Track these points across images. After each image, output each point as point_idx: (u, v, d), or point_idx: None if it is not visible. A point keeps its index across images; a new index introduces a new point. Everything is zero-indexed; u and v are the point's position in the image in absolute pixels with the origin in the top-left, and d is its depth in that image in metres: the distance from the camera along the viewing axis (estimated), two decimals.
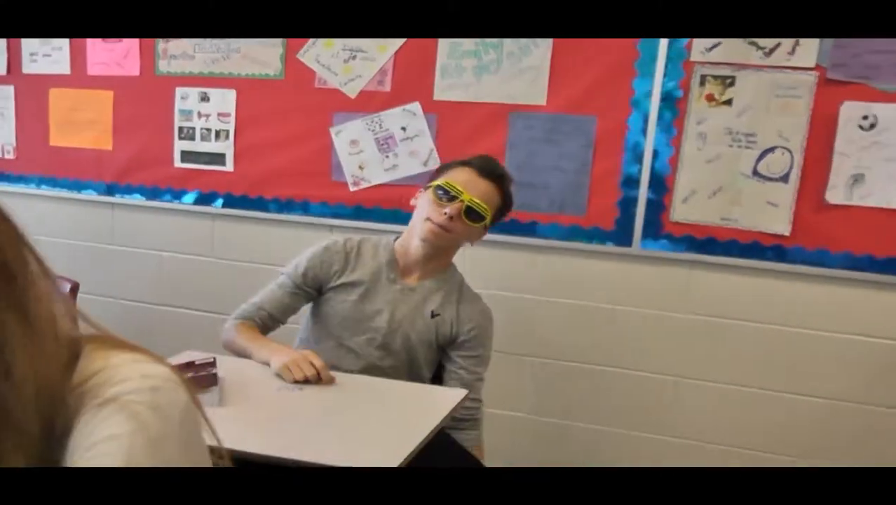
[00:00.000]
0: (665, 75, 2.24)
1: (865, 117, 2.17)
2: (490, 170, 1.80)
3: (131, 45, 2.78)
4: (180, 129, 2.74)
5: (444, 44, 2.40)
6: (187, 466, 0.69)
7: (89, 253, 2.92)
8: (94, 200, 2.88)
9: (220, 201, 2.70)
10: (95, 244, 2.93)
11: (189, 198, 2.74)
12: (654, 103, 2.26)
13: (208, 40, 2.66)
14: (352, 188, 2.55)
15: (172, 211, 2.79)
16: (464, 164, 1.82)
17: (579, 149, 2.31)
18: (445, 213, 1.73)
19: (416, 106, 2.46)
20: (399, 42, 2.45)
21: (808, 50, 2.15)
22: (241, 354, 1.76)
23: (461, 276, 1.91)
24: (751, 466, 2.33)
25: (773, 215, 2.24)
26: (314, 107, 2.56)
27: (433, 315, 1.84)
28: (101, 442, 0.65)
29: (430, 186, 1.80)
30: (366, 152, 2.52)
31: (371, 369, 1.81)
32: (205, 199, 2.73)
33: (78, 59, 2.85)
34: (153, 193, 2.80)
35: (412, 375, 1.85)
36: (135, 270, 2.89)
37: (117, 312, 2.89)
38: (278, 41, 2.58)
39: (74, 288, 2.25)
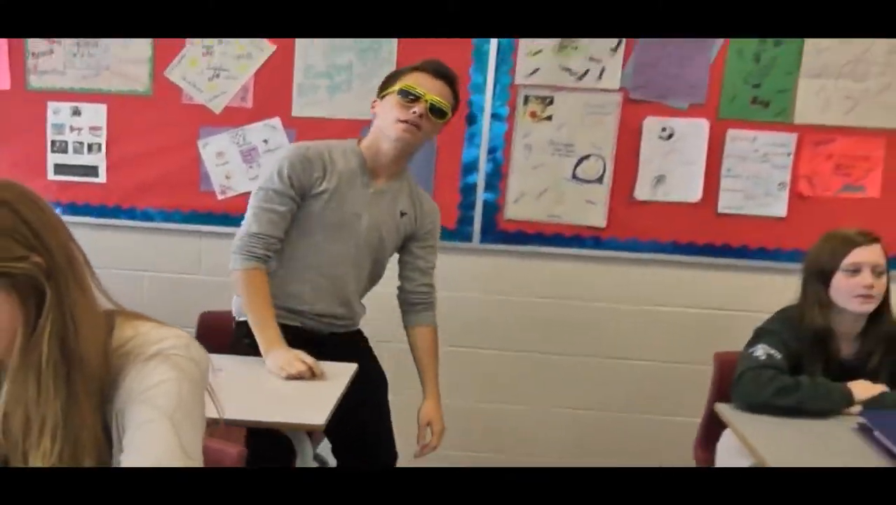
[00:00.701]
0: (494, 97, 2.56)
1: (664, 129, 2.54)
2: (442, 72, 1.91)
3: (1, 56, 2.85)
4: (53, 142, 2.84)
5: (299, 65, 2.63)
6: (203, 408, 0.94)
7: None
8: None
9: (94, 212, 2.83)
10: None
11: (62, 209, 2.86)
12: (486, 120, 2.58)
13: (78, 57, 2.77)
14: (219, 196, 2.74)
15: None
16: (415, 68, 1.91)
17: (423, 160, 2.59)
18: (414, 113, 1.84)
19: (276, 121, 2.68)
20: (259, 62, 2.66)
21: (614, 74, 2.51)
22: (245, 311, 1.87)
23: (411, 176, 2.07)
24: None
25: (591, 211, 2.61)
26: (182, 121, 2.73)
27: (402, 214, 2.00)
28: (154, 385, 0.89)
29: (391, 92, 1.89)
30: (231, 163, 2.72)
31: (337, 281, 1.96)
32: (79, 210, 2.84)
33: None
34: None
35: (374, 276, 2.05)
36: None
37: None
38: (145, 58, 2.73)
39: None
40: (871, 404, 1.78)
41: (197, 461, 0.89)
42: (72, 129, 2.84)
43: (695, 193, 2.59)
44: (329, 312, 1.98)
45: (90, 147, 2.83)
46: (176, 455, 0.86)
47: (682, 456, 2.25)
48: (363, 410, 1.98)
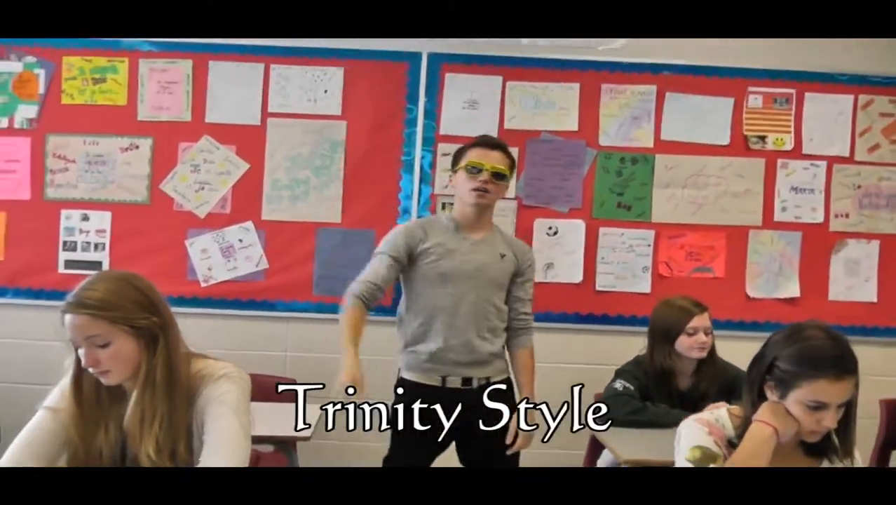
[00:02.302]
0: (419, 205, 3.30)
1: (550, 228, 3.30)
2: (494, 143, 2.40)
3: (24, 175, 3.50)
4: (64, 242, 3.47)
5: (267, 179, 3.36)
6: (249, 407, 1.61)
7: None
8: None
9: None
10: None
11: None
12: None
13: (89, 173, 3.43)
14: (203, 284, 3.39)
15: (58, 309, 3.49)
16: (474, 145, 2.39)
17: (365, 252, 3.26)
18: (482, 181, 2.32)
19: (249, 224, 3.38)
20: (236, 177, 3.37)
21: (511, 186, 3.25)
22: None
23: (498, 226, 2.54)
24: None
25: None
26: (173, 225, 3.39)
27: (502, 256, 2.43)
28: (224, 393, 1.57)
29: (459, 169, 2.37)
30: (213, 258, 3.39)
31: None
32: None
33: None
34: (37, 295, 3.45)
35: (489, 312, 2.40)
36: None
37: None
38: (145, 174, 3.41)
39: None
40: None
41: (249, 437, 1.56)
42: (81, 231, 3.47)
43: (577, 276, 3.33)
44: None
45: (96, 246, 3.47)
46: (239, 433, 1.53)
47: None
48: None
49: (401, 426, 2.38)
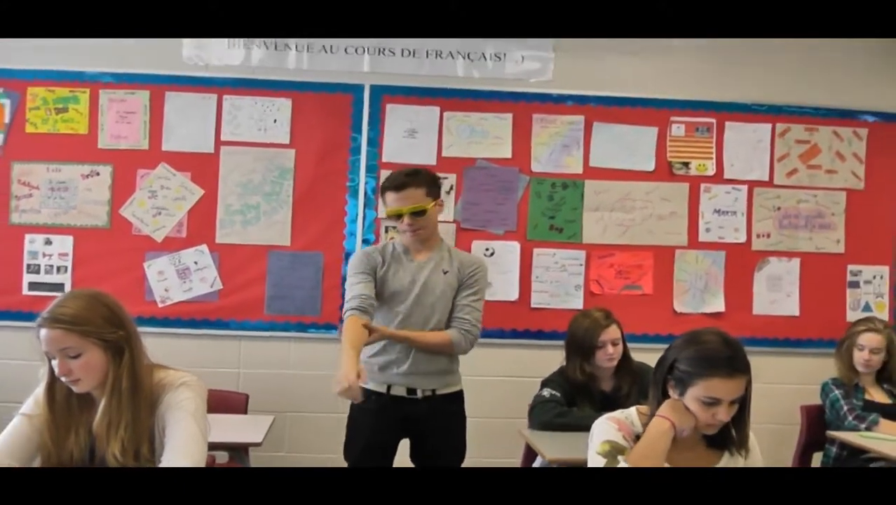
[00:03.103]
0: (364, 228, 3.51)
1: (487, 249, 3.52)
2: (401, 181, 2.54)
3: None
4: (28, 265, 3.64)
5: (220, 204, 3.55)
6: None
7: None
8: None
9: None
10: None
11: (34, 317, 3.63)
12: (359, 242, 3.51)
13: (52, 199, 3.60)
14: (160, 305, 3.56)
15: (22, 329, 3.64)
16: (385, 187, 2.58)
17: (313, 273, 3.50)
18: (406, 224, 2.55)
19: (204, 247, 3.56)
20: (191, 203, 3.56)
21: (449, 210, 3.48)
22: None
23: (447, 243, 2.75)
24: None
25: None
26: (132, 248, 3.57)
27: (444, 272, 2.63)
28: (184, 400, 1.76)
29: (384, 219, 2.72)
30: (169, 280, 3.57)
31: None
32: None
33: None
34: (2, 316, 3.57)
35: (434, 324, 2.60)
36: None
37: None
38: (105, 200, 3.60)
39: None
40: None
41: (206, 439, 1.75)
42: (44, 255, 3.64)
43: (513, 294, 3.54)
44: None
45: (59, 269, 3.63)
46: (197, 435, 1.73)
47: None
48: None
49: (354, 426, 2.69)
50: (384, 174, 3.49)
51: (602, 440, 1.84)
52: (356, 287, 2.57)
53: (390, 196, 2.56)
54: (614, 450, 1.82)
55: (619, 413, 1.92)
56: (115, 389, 1.72)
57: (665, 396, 1.85)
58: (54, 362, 1.74)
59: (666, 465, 1.79)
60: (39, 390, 1.81)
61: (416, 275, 2.61)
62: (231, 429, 2.57)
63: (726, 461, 1.86)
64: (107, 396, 1.73)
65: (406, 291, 2.60)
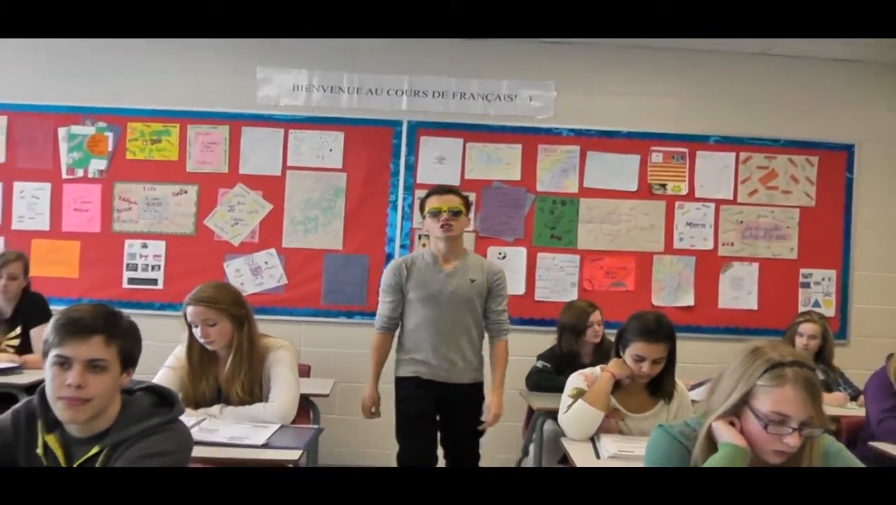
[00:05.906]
0: (402, 235, 4.35)
1: (500, 253, 4.35)
2: (445, 189, 3.01)
3: (95, 213, 4.49)
4: (127, 264, 4.46)
5: (286, 217, 4.40)
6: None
7: None
8: None
9: (154, 307, 4.46)
10: None
11: (133, 305, 4.45)
12: (397, 248, 4.35)
13: (147, 212, 4.46)
14: None
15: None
16: (431, 194, 2.97)
17: (361, 272, 4.34)
18: (444, 220, 2.92)
19: (273, 250, 4.41)
20: (263, 215, 4.41)
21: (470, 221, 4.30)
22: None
23: (471, 254, 3.13)
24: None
25: None
26: (214, 251, 4.40)
27: (472, 281, 3.01)
28: (282, 357, 2.57)
29: (426, 215, 2.98)
30: (244, 276, 4.41)
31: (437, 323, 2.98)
32: (144, 305, 4.44)
33: (56, 219, 4.42)
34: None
35: (463, 328, 3.00)
36: None
37: None
38: (192, 212, 4.44)
39: None
40: None
41: (298, 383, 2.52)
42: (140, 256, 4.47)
43: (521, 289, 4.36)
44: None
45: (153, 267, 4.46)
46: (292, 381, 2.51)
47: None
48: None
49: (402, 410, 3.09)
50: (418, 193, 4.34)
51: (572, 386, 2.62)
52: (384, 306, 3.07)
53: (434, 199, 2.98)
54: (578, 393, 2.58)
55: (588, 370, 2.69)
56: (238, 349, 2.47)
57: (619, 355, 2.61)
58: (196, 330, 2.48)
59: (613, 401, 2.55)
60: (179, 349, 2.54)
61: (444, 283, 3.00)
62: (305, 385, 3.38)
63: (661, 406, 2.60)
64: (233, 354, 2.48)
65: (434, 297, 2.99)
